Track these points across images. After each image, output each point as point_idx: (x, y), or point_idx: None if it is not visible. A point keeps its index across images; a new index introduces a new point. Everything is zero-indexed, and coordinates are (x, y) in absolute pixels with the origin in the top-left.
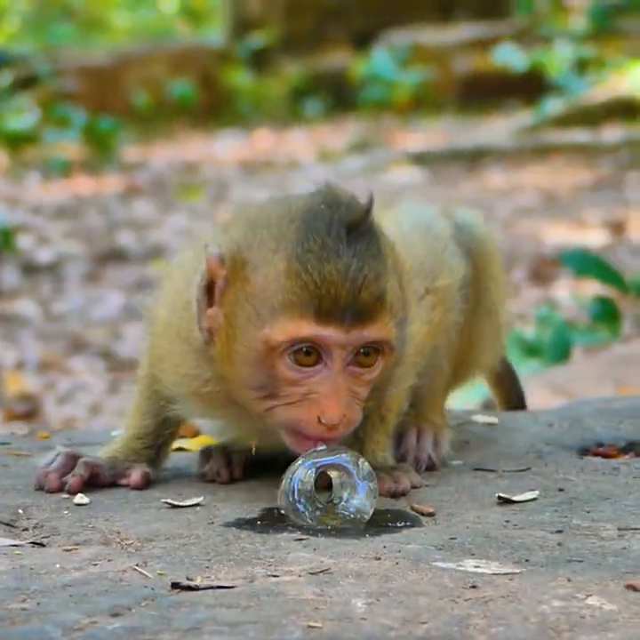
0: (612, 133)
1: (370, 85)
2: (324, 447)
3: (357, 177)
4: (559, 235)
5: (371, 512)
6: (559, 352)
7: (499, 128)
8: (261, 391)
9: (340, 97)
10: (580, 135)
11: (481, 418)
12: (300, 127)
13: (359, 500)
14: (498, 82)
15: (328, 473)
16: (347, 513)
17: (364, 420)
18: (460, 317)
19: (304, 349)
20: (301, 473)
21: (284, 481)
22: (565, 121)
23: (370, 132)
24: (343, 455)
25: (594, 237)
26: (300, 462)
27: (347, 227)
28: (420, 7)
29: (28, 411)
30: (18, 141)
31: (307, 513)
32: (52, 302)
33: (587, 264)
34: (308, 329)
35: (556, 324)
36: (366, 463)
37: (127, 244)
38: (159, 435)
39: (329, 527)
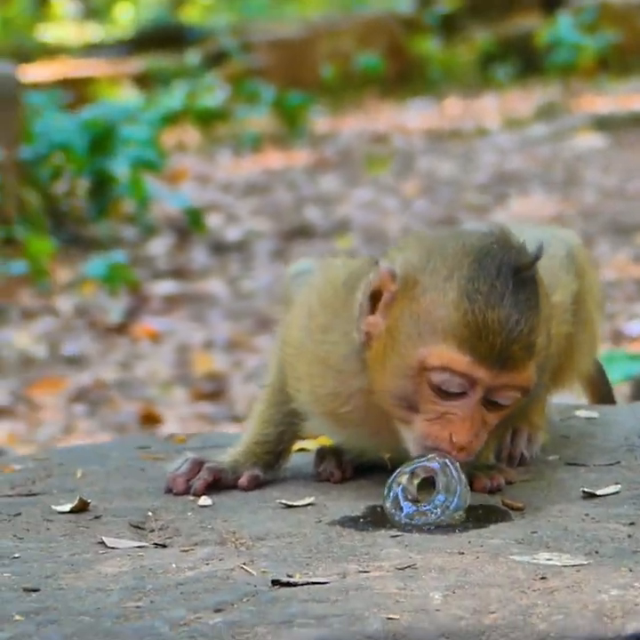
0: None
1: (556, 49)
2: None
3: (542, 143)
4: None
5: (463, 511)
6: None
7: None
8: (403, 402)
9: (529, 61)
10: None
11: (583, 413)
12: (489, 93)
13: (456, 500)
14: None
15: (429, 475)
16: (442, 512)
17: None
18: (570, 329)
19: (451, 379)
20: (403, 475)
21: (388, 482)
22: None
23: (556, 96)
24: (443, 460)
25: None
26: (403, 466)
27: (514, 271)
28: None
29: (216, 390)
30: (209, 119)
31: (403, 513)
32: (240, 280)
33: None
34: (462, 365)
35: None
36: (459, 467)
37: (314, 220)
38: (280, 442)
39: (424, 526)
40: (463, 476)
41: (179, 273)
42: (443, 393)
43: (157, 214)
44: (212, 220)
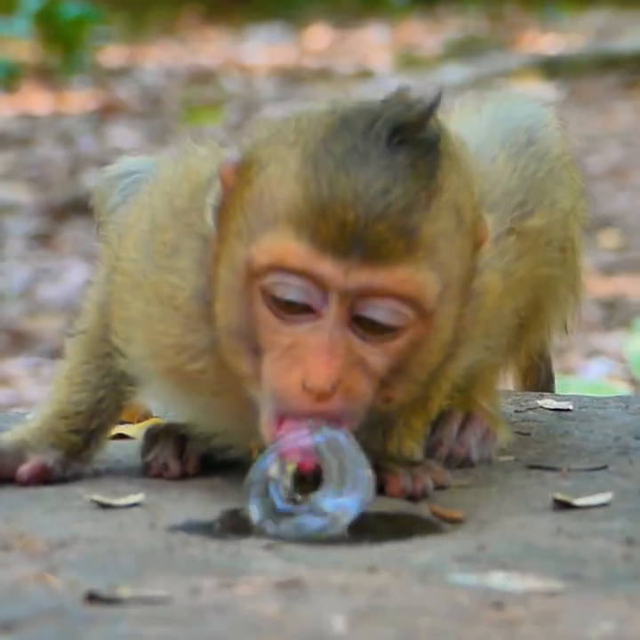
0: None
1: None
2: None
3: (459, 94)
4: None
5: (355, 511)
6: None
7: None
8: (243, 340)
9: None
10: None
11: (551, 402)
12: (376, 21)
13: (355, 494)
14: None
15: (307, 459)
16: (334, 516)
17: None
18: (553, 272)
19: (285, 281)
20: (272, 462)
21: (250, 474)
22: None
23: (481, 28)
24: (330, 433)
25: None
26: (269, 449)
27: (393, 128)
28: None
29: None
30: None
31: (276, 519)
32: None
33: None
34: (296, 258)
35: None
36: (356, 445)
37: None
38: (94, 414)
39: (309, 537)
40: (363, 457)
41: None
42: (282, 309)
43: None
44: None
